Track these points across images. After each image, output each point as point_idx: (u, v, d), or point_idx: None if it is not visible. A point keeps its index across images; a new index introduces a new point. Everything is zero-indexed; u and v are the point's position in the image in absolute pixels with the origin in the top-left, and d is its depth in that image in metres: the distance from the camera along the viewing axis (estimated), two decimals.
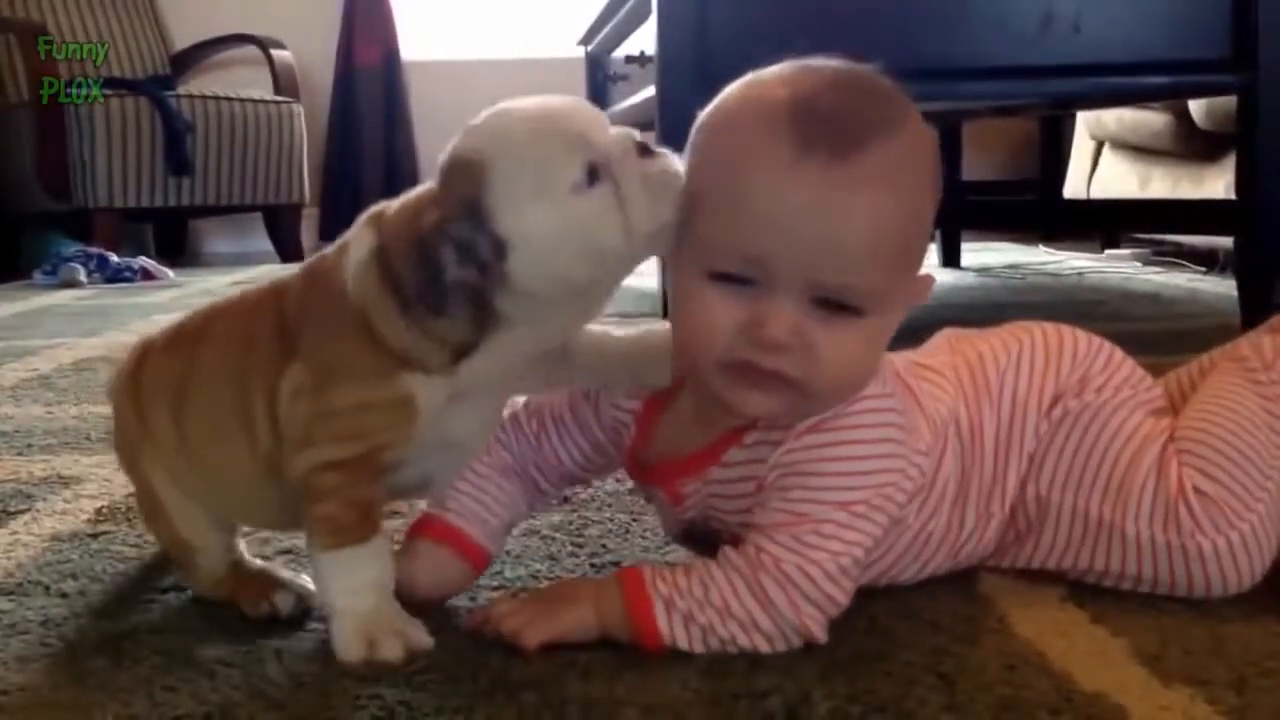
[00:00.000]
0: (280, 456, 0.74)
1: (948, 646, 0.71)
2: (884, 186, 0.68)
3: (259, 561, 0.85)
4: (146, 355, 0.83)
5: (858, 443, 0.72)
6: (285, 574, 0.83)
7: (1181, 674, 0.67)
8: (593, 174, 0.69)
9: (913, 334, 0.88)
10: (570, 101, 0.73)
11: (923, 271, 0.75)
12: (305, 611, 0.79)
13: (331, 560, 0.73)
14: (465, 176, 0.69)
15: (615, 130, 0.72)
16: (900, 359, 0.82)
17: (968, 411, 0.81)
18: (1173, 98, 2.61)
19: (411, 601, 0.77)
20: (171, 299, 2.87)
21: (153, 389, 0.81)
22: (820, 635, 0.71)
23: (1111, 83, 1.94)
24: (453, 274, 0.68)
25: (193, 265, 3.91)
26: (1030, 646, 0.71)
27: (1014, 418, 0.82)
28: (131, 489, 1.12)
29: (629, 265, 0.72)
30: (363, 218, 0.75)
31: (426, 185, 0.73)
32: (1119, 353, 0.86)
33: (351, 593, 0.72)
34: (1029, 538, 0.82)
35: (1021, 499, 0.82)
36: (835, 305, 0.69)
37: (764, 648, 0.70)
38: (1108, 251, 3.55)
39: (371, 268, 0.71)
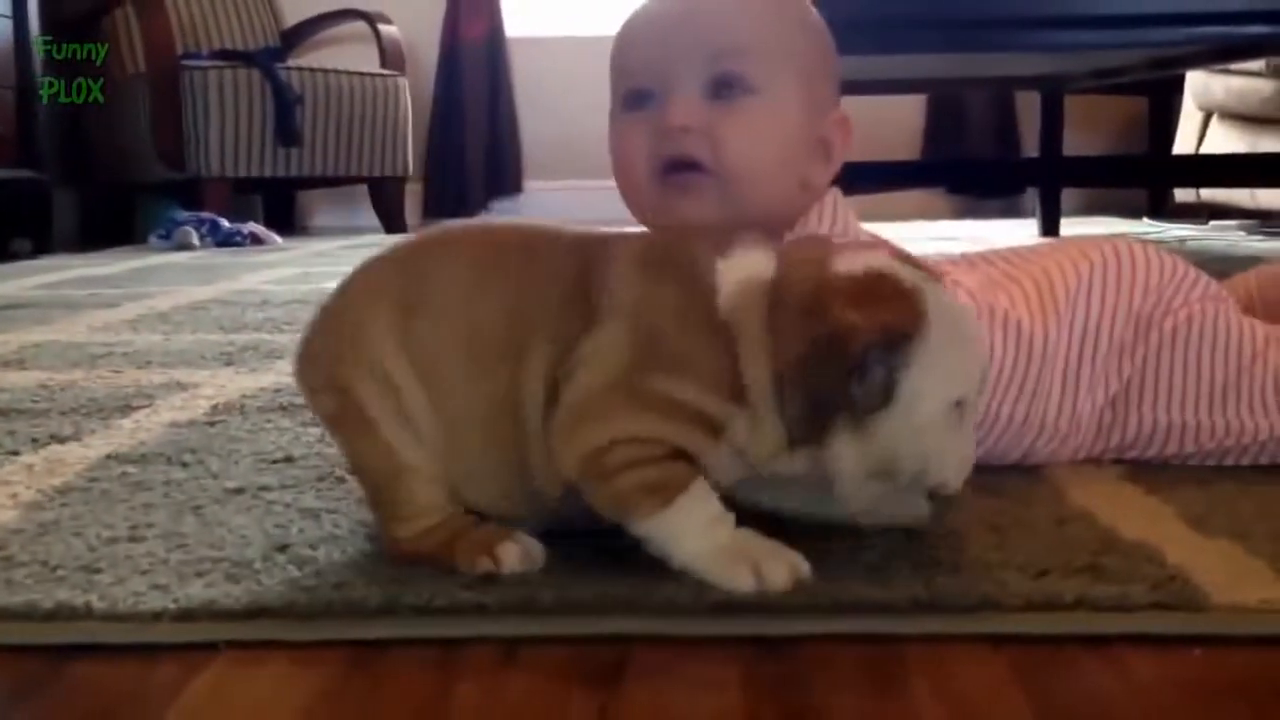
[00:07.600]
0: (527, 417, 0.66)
1: (1003, 508, 0.75)
2: None
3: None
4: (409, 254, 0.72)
5: None
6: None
7: (1224, 531, 0.70)
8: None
9: None
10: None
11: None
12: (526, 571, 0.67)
13: (661, 522, 0.63)
14: (905, 312, 0.61)
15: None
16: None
17: (1030, 321, 0.83)
18: (1273, 52, 2.55)
19: None
20: (281, 259, 3.00)
21: (403, 288, 0.70)
22: None
23: (1210, 32, 1.92)
24: (841, 394, 0.61)
25: (301, 236, 4.05)
26: (1082, 508, 0.74)
27: (1084, 343, 0.84)
28: (254, 390, 1.22)
29: None
30: (752, 233, 0.67)
31: (828, 238, 0.69)
32: (1192, 270, 0.88)
33: (704, 534, 0.63)
34: (1133, 449, 0.86)
35: (1122, 423, 0.85)
36: (728, 87, 0.78)
37: None
38: (1213, 222, 3.49)
39: (759, 301, 0.63)
